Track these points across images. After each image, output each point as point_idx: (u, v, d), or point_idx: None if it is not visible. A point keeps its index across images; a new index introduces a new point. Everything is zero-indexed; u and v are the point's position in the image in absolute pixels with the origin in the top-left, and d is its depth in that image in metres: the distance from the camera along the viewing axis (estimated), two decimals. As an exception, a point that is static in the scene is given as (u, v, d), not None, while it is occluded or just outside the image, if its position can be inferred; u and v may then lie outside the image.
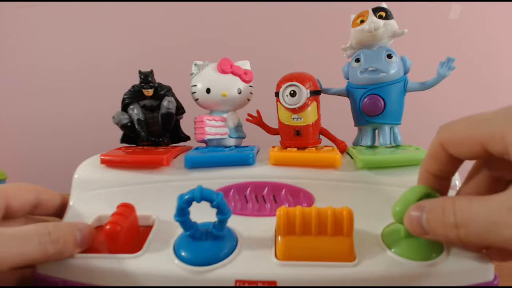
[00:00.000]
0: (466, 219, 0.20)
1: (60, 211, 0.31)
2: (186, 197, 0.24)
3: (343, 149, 0.34)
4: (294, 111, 0.33)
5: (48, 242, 0.24)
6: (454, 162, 0.23)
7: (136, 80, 0.37)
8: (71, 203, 0.31)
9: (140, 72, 0.36)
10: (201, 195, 0.24)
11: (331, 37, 0.64)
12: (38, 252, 0.23)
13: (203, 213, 0.26)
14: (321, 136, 0.36)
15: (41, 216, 0.31)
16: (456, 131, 0.22)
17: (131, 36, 0.67)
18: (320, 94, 0.35)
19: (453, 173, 0.24)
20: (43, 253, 0.23)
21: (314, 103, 0.34)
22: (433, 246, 0.26)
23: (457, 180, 0.31)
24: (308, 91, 0.33)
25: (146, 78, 0.36)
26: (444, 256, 0.25)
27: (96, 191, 0.32)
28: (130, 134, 0.38)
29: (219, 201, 0.24)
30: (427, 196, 0.24)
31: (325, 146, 0.37)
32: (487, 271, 0.25)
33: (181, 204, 0.24)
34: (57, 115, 0.69)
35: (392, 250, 0.26)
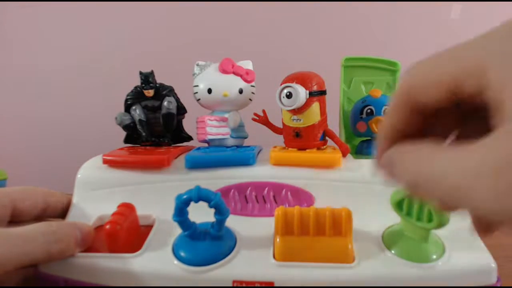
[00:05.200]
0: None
1: (66, 213, 0.31)
2: (184, 197, 0.24)
3: (345, 152, 0.34)
4: (293, 112, 0.33)
5: (52, 241, 0.24)
6: (421, 115, 0.18)
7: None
8: (74, 202, 0.32)
9: (140, 73, 0.36)
10: (199, 195, 0.24)
11: (334, 36, 0.64)
12: (43, 251, 0.23)
13: (205, 213, 0.26)
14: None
15: (50, 218, 0.31)
16: (423, 72, 0.17)
17: (134, 36, 0.67)
18: (324, 94, 0.34)
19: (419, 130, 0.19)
20: (47, 252, 0.23)
21: (317, 103, 0.33)
22: (434, 247, 0.25)
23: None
24: (307, 92, 0.32)
25: (147, 78, 0.36)
26: (446, 258, 0.25)
27: (98, 190, 0.32)
28: (133, 135, 0.38)
29: (216, 202, 0.24)
30: None
31: (327, 146, 0.36)
32: (489, 274, 0.24)
33: (179, 204, 0.24)
34: (60, 115, 0.70)
35: (392, 251, 0.26)
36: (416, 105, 0.17)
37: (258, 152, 0.36)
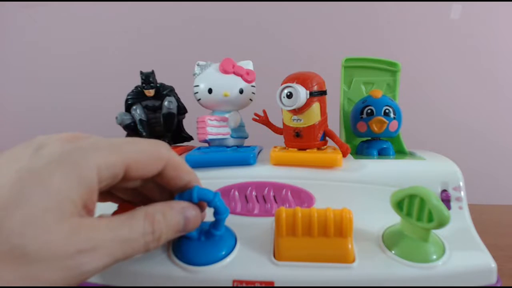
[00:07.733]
0: None
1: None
2: (184, 197, 0.24)
3: (345, 153, 0.34)
4: (294, 112, 0.33)
5: (150, 241, 0.21)
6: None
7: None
8: (74, 202, 0.32)
9: (141, 73, 0.36)
10: (198, 195, 0.24)
11: (334, 36, 0.64)
12: (140, 252, 0.21)
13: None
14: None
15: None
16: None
17: (135, 36, 0.68)
18: (325, 94, 0.34)
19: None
20: (143, 251, 0.21)
21: (317, 104, 0.33)
22: (434, 248, 0.25)
23: (460, 181, 0.30)
24: (308, 92, 0.32)
25: (147, 78, 0.36)
26: (446, 258, 0.25)
27: (99, 190, 0.32)
28: (133, 135, 0.39)
29: (216, 201, 0.24)
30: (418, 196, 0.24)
31: (328, 147, 0.36)
32: (489, 274, 0.24)
33: (179, 204, 0.24)
34: (60, 114, 0.70)
35: (393, 251, 0.26)
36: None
37: (259, 152, 0.36)
